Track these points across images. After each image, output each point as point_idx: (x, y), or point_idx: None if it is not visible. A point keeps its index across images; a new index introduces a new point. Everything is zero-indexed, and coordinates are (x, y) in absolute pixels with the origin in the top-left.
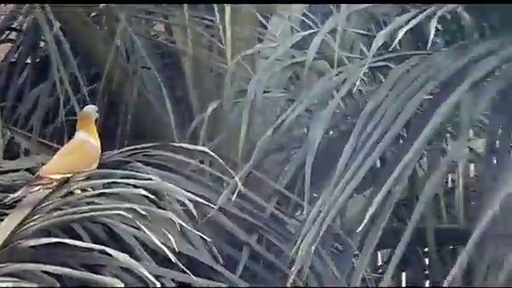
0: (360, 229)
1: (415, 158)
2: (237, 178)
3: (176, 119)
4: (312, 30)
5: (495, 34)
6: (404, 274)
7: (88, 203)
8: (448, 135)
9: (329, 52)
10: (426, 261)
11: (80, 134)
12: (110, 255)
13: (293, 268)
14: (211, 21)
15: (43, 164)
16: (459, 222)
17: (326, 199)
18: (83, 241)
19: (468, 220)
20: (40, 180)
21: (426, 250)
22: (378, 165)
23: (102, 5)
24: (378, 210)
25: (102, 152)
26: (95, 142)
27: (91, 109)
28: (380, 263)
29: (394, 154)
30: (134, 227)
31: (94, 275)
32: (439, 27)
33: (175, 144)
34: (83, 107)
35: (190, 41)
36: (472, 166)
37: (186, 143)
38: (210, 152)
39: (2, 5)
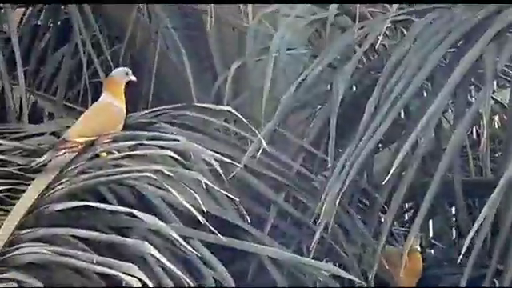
0: (386, 181)
1: (440, 110)
2: (260, 136)
3: (199, 78)
4: None
5: None
6: (431, 224)
7: (114, 166)
8: (472, 87)
9: (350, 7)
10: (453, 210)
11: (105, 97)
12: (137, 217)
13: (318, 223)
14: None
15: (68, 127)
16: (485, 172)
17: (350, 154)
18: (110, 204)
19: (494, 170)
20: (65, 144)
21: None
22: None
23: None
24: (404, 164)
25: (127, 114)
26: (120, 104)
27: (118, 71)
28: (407, 217)
29: (418, 106)
30: (161, 188)
31: (122, 238)
32: None
33: (200, 104)
34: (106, 69)
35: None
36: (496, 117)
37: (209, 102)
38: (233, 111)
39: None
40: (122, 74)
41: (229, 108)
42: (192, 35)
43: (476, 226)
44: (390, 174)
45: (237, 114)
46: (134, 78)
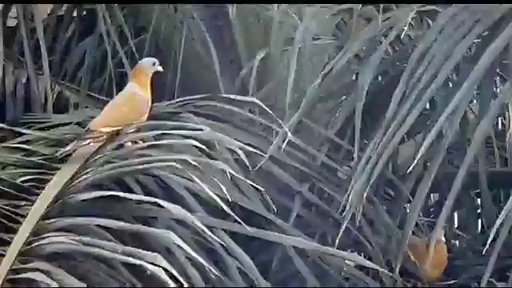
0: (411, 172)
1: (465, 100)
2: (285, 128)
3: (225, 69)
4: None
5: None
6: (456, 215)
7: (139, 155)
8: (498, 78)
9: None
10: (478, 201)
11: (129, 86)
12: (162, 207)
13: (344, 214)
14: None
15: (93, 117)
16: (510, 163)
17: (376, 145)
18: (135, 193)
19: None
20: (90, 133)
21: (478, 191)
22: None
23: None
24: (430, 155)
25: (152, 104)
26: (145, 93)
27: (145, 61)
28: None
29: (443, 97)
30: (186, 178)
31: (147, 228)
32: None
33: (225, 95)
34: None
35: None
36: None
37: (234, 92)
38: (259, 102)
39: None
40: (149, 64)
41: (254, 99)
42: (217, 25)
43: (501, 216)
44: (414, 164)
45: (262, 105)
46: (161, 69)
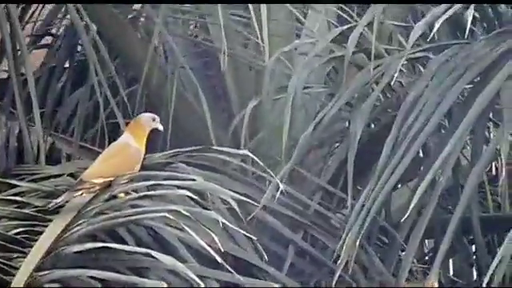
0: (404, 219)
1: (458, 147)
2: (277, 179)
3: (217, 118)
4: (349, 24)
5: None
6: (451, 262)
7: (132, 206)
8: (490, 123)
9: (367, 45)
10: (473, 248)
11: (123, 137)
12: (155, 258)
13: (338, 262)
14: (248, 18)
15: (85, 168)
16: (504, 208)
17: (369, 192)
18: (128, 244)
19: None
20: (82, 184)
21: (472, 237)
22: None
23: (136, 5)
24: (423, 201)
25: (144, 155)
26: (138, 145)
27: (145, 116)
28: (426, 253)
29: (436, 144)
30: (178, 228)
31: (140, 278)
32: (477, 15)
33: (217, 147)
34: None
35: (228, 39)
36: None
37: (227, 141)
38: (251, 155)
39: (38, 11)
40: (148, 119)
41: (246, 152)
42: (209, 75)
43: (495, 262)
44: (408, 211)
45: (254, 157)
46: (160, 127)
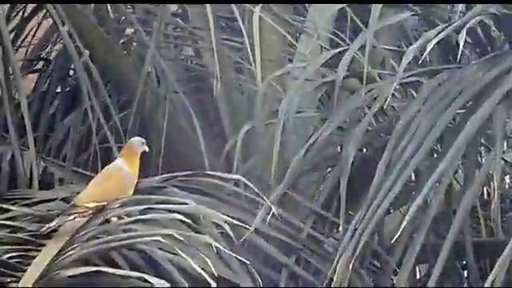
0: (397, 242)
1: (450, 171)
2: (268, 202)
3: (209, 142)
4: (341, 48)
5: None
6: None
7: (125, 230)
8: (482, 148)
9: (359, 69)
10: (465, 273)
11: (116, 162)
12: (148, 282)
13: (331, 286)
14: (240, 43)
15: (78, 193)
16: (496, 233)
17: (361, 216)
18: (121, 268)
19: (505, 231)
20: (75, 209)
21: (465, 262)
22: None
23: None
24: (415, 225)
25: (137, 179)
26: (131, 169)
27: (135, 140)
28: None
29: (428, 167)
30: (172, 252)
31: None
32: (469, 40)
33: (210, 173)
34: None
35: (220, 64)
36: (507, 178)
37: (220, 165)
38: (244, 180)
39: (29, 36)
40: (138, 143)
41: (239, 177)
42: (201, 99)
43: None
44: (399, 232)
45: (247, 182)
46: (146, 149)
